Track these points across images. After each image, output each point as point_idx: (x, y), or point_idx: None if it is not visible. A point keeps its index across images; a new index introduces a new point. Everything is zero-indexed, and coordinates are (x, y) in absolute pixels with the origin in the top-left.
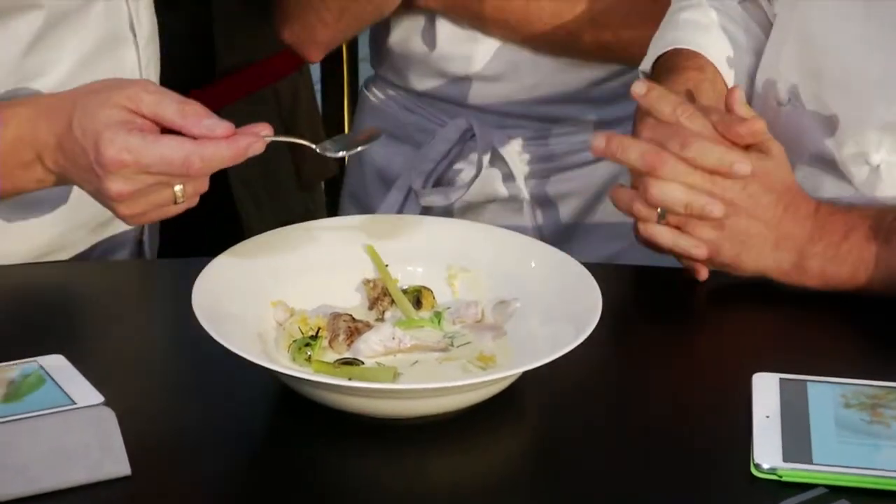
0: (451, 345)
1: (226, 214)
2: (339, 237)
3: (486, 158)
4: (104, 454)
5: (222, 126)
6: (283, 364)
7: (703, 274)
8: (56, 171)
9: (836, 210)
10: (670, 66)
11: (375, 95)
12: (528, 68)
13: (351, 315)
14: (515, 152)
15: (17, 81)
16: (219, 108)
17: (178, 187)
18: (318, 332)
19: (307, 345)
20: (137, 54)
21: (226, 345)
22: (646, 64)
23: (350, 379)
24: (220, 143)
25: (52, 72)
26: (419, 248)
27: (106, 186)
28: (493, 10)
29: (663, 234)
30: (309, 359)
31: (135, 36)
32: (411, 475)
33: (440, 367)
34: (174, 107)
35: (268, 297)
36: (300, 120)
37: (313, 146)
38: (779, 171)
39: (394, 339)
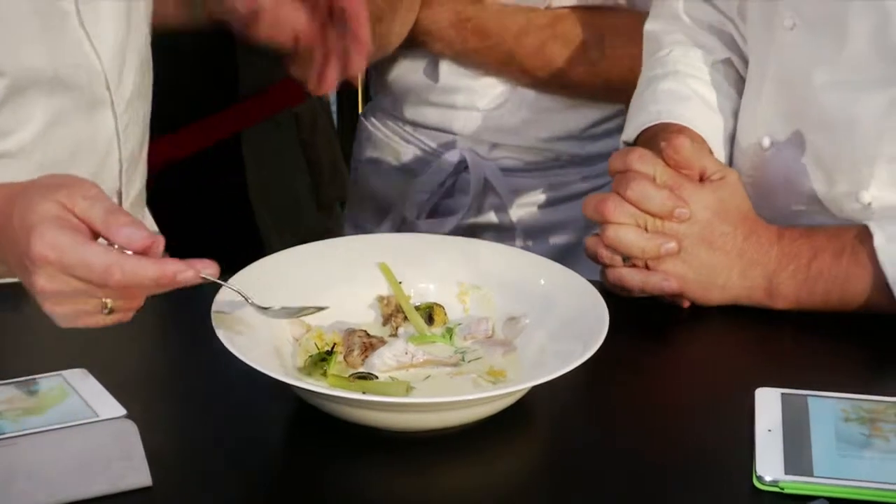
0: (463, 360)
1: (246, 232)
2: (353, 255)
3: (479, 189)
4: (126, 465)
5: (141, 238)
6: (300, 378)
7: (686, 302)
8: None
9: (800, 234)
10: (654, 137)
11: (374, 125)
12: (525, 105)
13: (366, 331)
14: (507, 184)
15: None
16: (239, 130)
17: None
18: (333, 348)
19: (323, 360)
20: (115, 118)
21: (244, 359)
22: (629, 135)
23: (364, 393)
24: (144, 260)
25: (20, 131)
26: (431, 266)
27: (32, 280)
28: (503, 55)
29: (631, 276)
30: (325, 373)
31: (112, 99)
32: (424, 487)
33: (452, 382)
34: (101, 214)
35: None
36: (318, 142)
37: (264, 308)
38: (734, 200)
39: (406, 353)
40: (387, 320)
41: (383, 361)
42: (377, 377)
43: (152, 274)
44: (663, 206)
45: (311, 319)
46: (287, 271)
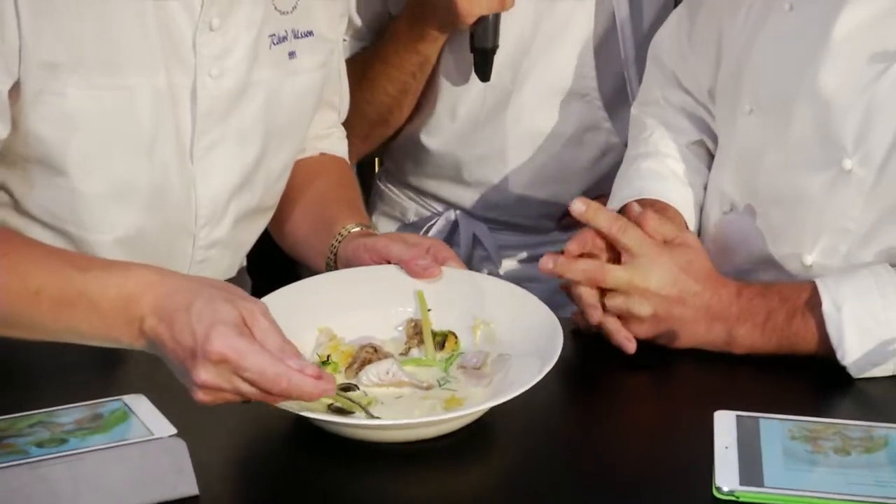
0: (438, 385)
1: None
2: (394, 281)
3: (469, 244)
4: (176, 478)
5: (312, 368)
6: None
7: (632, 347)
8: (148, 338)
9: (757, 293)
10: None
11: (385, 185)
12: (512, 187)
13: (374, 347)
14: (494, 240)
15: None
16: None
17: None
18: (328, 359)
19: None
20: (192, 250)
21: None
22: (614, 205)
23: (329, 407)
24: (307, 378)
25: (106, 233)
26: (458, 298)
27: (196, 371)
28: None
29: (610, 322)
30: None
31: (195, 238)
32: (390, 483)
33: (416, 402)
34: (277, 342)
35: (315, 324)
36: None
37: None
38: (699, 261)
39: (388, 373)
40: (408, 341)
41: (368, 377)
42: (358, 389)
43: (310, 390)
44: (630, 282)
45: (339, 331)
46: (330, 287)
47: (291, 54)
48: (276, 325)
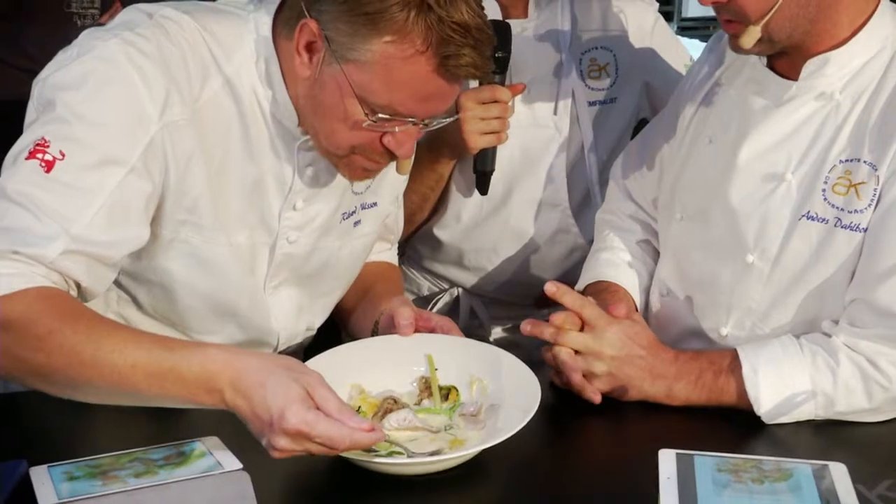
0: (444, 430)
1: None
2: (409, 347)
3: (467, 314)
4: (242, 502)
5: (366, 423)
6: None
7: (598, 398)
8: (230, 407)
9: (690, 358)
10: (595, 290)
11: (406, 267)
12: (506, 277)
13: (395, 399)
14: (487, 313)
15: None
16: None
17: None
18: (358, 409)
19: None
20: (275, 349)
21: None
22: (579, 286)
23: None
24: (364, 433)
25: (208, 337)
26: (458, 360)
27: (275, 440)
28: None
29: (576, 379)
30: None
31: (277, 344)
32: None
33: (428, 442)
34: (335, 406)
35: (349, 381)
36: None
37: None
38: (644, 332)
39: (405, 420)
40: (420, 394)
41: (390, 423)
42: (384, 433)
43: (366, 442)
44: (586, 346)
45: (366, 386)
46: (360, 352)
47: (357, 223)
48: (332, 391)
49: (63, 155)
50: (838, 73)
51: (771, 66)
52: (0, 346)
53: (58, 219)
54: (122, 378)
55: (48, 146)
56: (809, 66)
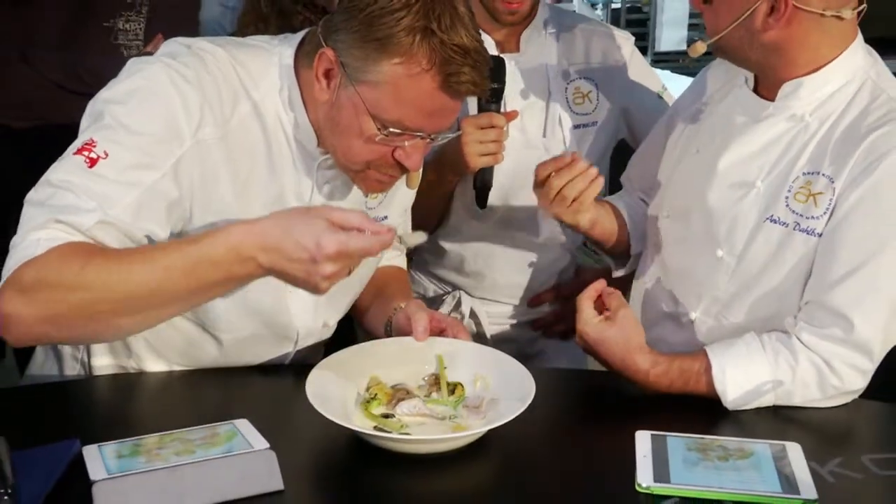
0: (449, 418)
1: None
2: (422, 347)
3: (468, 314)
4: (269, 478)
5: (385, 227)
6: (354, 418)
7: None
8: (266, 268)
9: (660, 374)
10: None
11: (414, 272)
12: (505, 280)
13: (407, 390)
14: (486, 312)
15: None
16: None
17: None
18: (374, 396)
19: (368, 402)
20: (293, 349)
21: (319, 410)
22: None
23: (374, 428)
24: (388, 234)
25: (225, 333)
26: (464, 360)
27: (322, 269)
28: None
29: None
30: (367, 410)
31: (296, 339)
32: (417, 482)
33: (435, 428)
34: (357, 218)
35: (368, 373)
36: None
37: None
38: (637, 328)
39: (415, 408)
40: (429, 388)
41: (402, 410)
42: (394, 417)
43: (389, 241)
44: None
45: (383, 378)
46: (380, 350)
47: None
48: (343, 209)
49: (107, 154)
50: (810, 96)
51: (756, 88)
52: (42, 300)
53: (97, 199)
54: (160, 284)
55: (94, 146)
56: (785, 89)
